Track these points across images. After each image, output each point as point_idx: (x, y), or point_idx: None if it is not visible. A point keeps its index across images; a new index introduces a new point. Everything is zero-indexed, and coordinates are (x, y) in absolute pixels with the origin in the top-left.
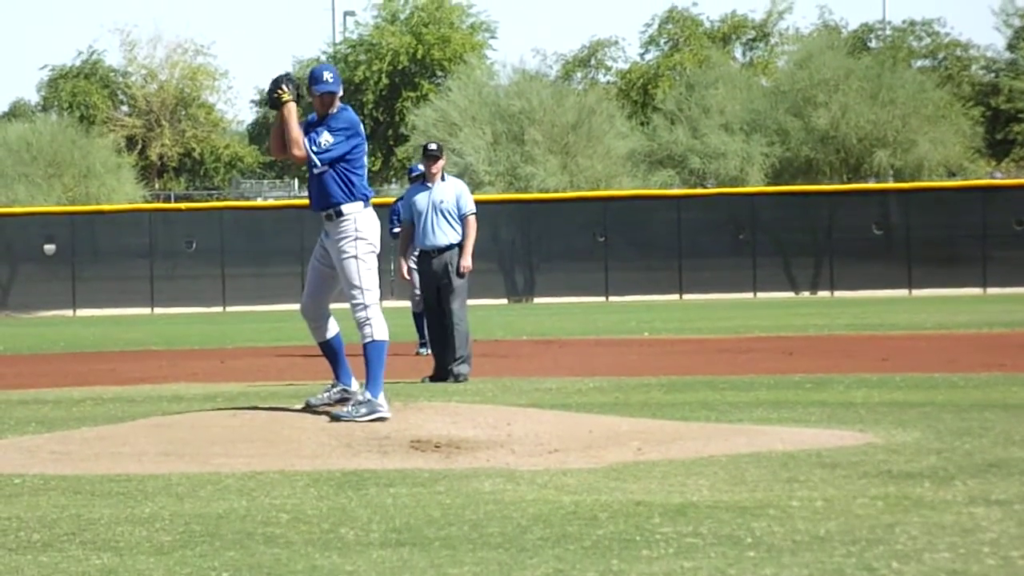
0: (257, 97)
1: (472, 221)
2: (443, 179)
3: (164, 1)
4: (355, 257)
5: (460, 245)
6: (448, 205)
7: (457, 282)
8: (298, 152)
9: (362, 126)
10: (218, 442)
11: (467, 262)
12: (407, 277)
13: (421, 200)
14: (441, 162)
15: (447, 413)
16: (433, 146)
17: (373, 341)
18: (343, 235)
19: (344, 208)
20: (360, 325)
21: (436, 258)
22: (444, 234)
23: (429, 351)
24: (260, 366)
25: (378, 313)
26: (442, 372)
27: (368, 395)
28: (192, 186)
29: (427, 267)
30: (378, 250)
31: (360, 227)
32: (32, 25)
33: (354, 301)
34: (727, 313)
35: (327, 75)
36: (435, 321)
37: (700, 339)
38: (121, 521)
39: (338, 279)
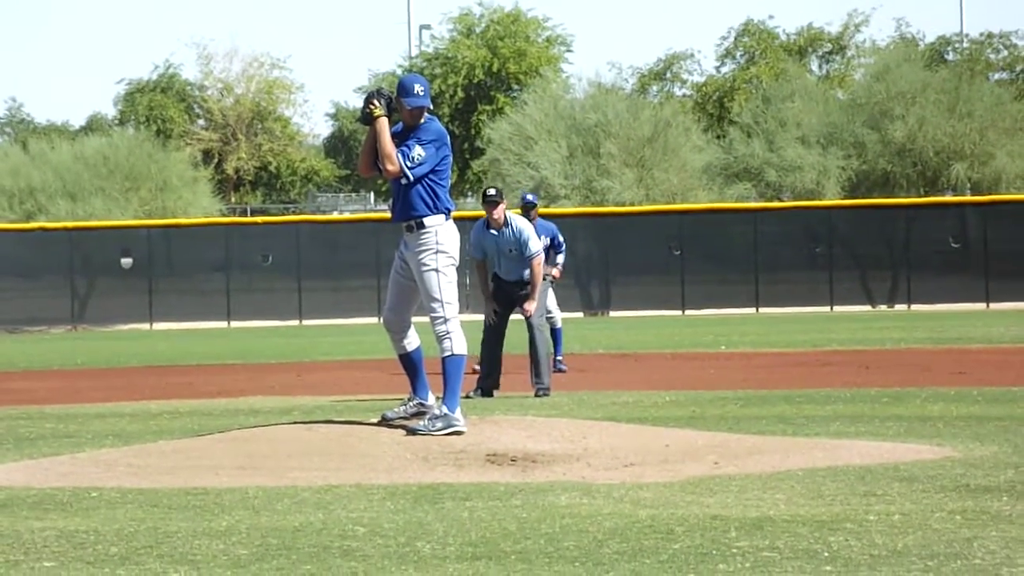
0: (333, 110)
1: (536, 264)
2: (507, 223)
3: (240, 15)
4: (435, 270)
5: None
6: (515, 252)
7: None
8: (392, 167)
9: (448, 137)
10: (294, 455)
11: (530, 307)
12: (496, 314)
13: (489, 247)
14: (502, 206)
15: (523, 427)
16: (492, 191)
17: (452, 355)
18: (423, 247)
19: (426, 220)
20: (439, 339)
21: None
22: (519, 272)
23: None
24: (336, 380)
25: (457, 327)
26: (489, 384)
27: (445, 409)
28: (268, 199)
29: (502, 285)
30: (457, 263)
31: (441, 240)
32: (109, 39)
33: (434, 315)
34: (804, 327)
35: (418, 88)
36: (492, 337)
37: (777, 353)
38: (198, 534)
39: (418, 291)
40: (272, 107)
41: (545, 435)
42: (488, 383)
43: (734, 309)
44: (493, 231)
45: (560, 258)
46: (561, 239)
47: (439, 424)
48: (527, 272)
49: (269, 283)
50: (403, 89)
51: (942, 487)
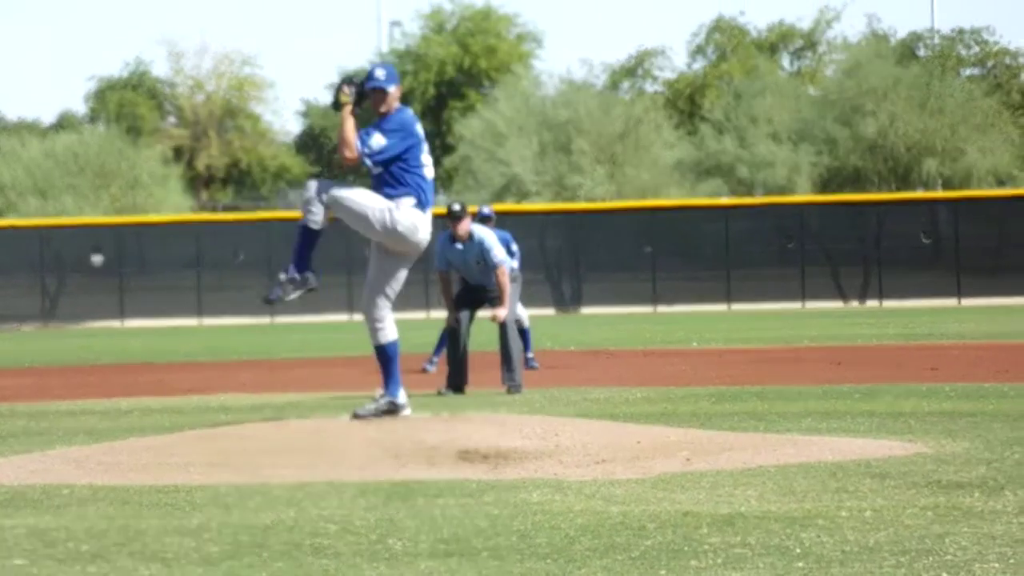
0: (303, 108)
1: (502, 273)
2: (471, 237)
3: (211, 12)
4: (384, 252)
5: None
6: (481, 263)
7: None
8: (349, 154)
9: (419, 125)
10: (266, 453)
11: (501, 314)
12: (458, 322)
13: (455, 260)
14: (466, 220)
15: (495, 424)
16: (456, 207)
17: (389, 343)
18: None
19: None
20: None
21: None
22: (487, 281)
23: (435, 368)
24: (307, 377)
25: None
26: (457, 382)
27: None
28: (239, 196)
29: (470, 287)
30: (412, 251)
31: (397, 217)
32: (80, 37)
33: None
34: (775, 323)
35: (379, 72)
36: (454, 339)
37: (748, 349)
38: (169, 532)
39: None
40: (243, 104)
41: (517, 432)
42: (455, 380)
43: (706, 305)
44: (458, 245)
45: (513, 262)
46: (515, 248)
47: (372, 408)
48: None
49: (240, 280)
50: (367, 74)
51: (914, 483)
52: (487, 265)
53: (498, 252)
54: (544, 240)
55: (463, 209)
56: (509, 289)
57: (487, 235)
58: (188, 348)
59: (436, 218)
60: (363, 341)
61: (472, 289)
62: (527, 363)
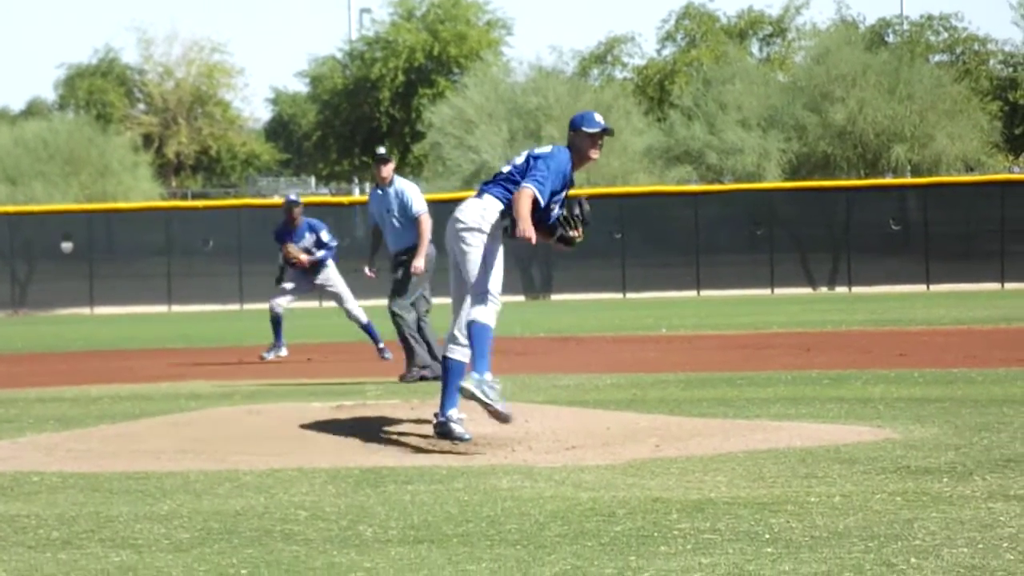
0: (273, 95)
1: (423, 221)
2: (391, 183)
3: None
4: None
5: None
6: (396, 211)
7: (399, 282)
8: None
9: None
10: (236, 439)
11: (418, 263)
12: (371, 275)
13: (376, 208)
14: (389, 166)
15: (465, 410)
16: (382, 150)
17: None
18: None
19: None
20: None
21: (399, 260)
22: (400, 238)
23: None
24: (277, 364)
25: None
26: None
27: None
28: (209, 184)
29: (394, 269)
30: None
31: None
32: (48, 23)
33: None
34: (744, 309)
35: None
36: (397, 322)
37: (717, 335)
38: (139, 518)
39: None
40: (212, 91)
41: (486, 418)
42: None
43: (675, 292)
44: (379, 190)
45: (321, 253)
46: (328, 239)
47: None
48: (411, 237)
49: (210, 267)
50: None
51: (883, 469)
52: (405, 217)
53: (418, 204)
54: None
55: (388, 153)
56: (426, 238)
57: (408, 187)
58: (158, 335)
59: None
60: (333, 329)
61: (396, 266)
62: (380, 355)
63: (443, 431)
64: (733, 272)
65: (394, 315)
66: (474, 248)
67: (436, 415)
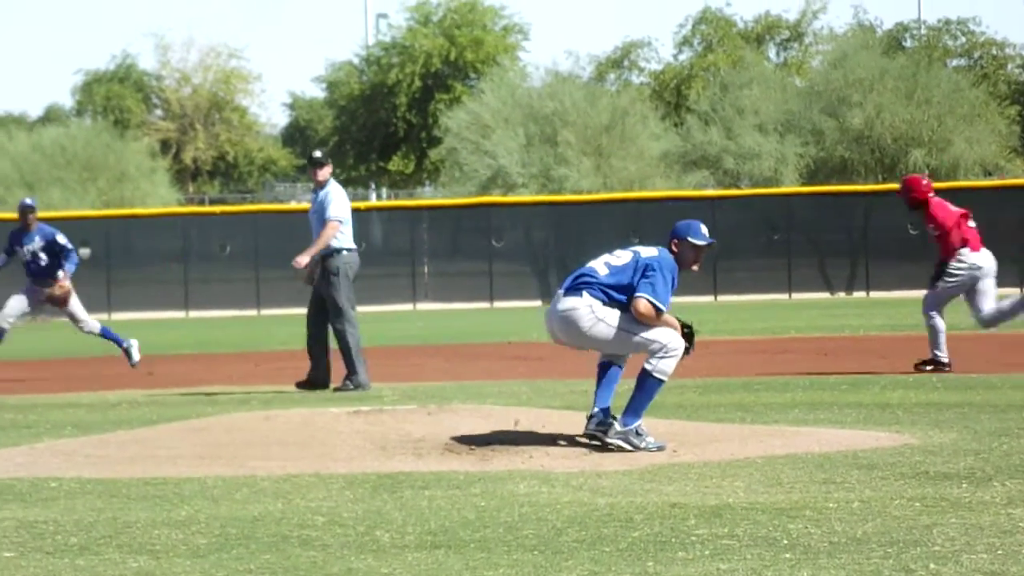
0: (290, 100)
1: (329, 225)
2: (324, 186)
3: (197, 5)
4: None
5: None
6: (319, 214)
7: (328, 291)
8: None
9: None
10: (253, 445)
11: (299, 258)
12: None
13: (311, 209)
14: (323, 169)
15: (481, 415)
16: (318, 153)
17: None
18: None
19: None
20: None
21: (320, 264)
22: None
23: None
24: (294, 369)
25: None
26: (312, 378)
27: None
28: (226, 189)
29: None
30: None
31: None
32: (66, 29)
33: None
34: (762, 314)
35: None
36: (310, 329)
37: (735, 340)
38: (157, 524)
39: None
40: (230, 97)
41: (504, 424)
42: (314, 376)
43: (692, 297)
44: (315, 192)
45: (68, 267)
46: (66, 244)
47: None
48: (332, 244)
49: (227, 273)
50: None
51: (901, 474)
52: (322, 219)
53: (334, 209)
54: (530, 232)
55: (323, 156)
56: (323, 240)
57: (335, 191)
58: (175, 341)
59: None
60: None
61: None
62: (127, 357)
63: (625, 440)
64: (750, 277)
65: (338, 331)
66: (611, 335)
67: (593, 415)
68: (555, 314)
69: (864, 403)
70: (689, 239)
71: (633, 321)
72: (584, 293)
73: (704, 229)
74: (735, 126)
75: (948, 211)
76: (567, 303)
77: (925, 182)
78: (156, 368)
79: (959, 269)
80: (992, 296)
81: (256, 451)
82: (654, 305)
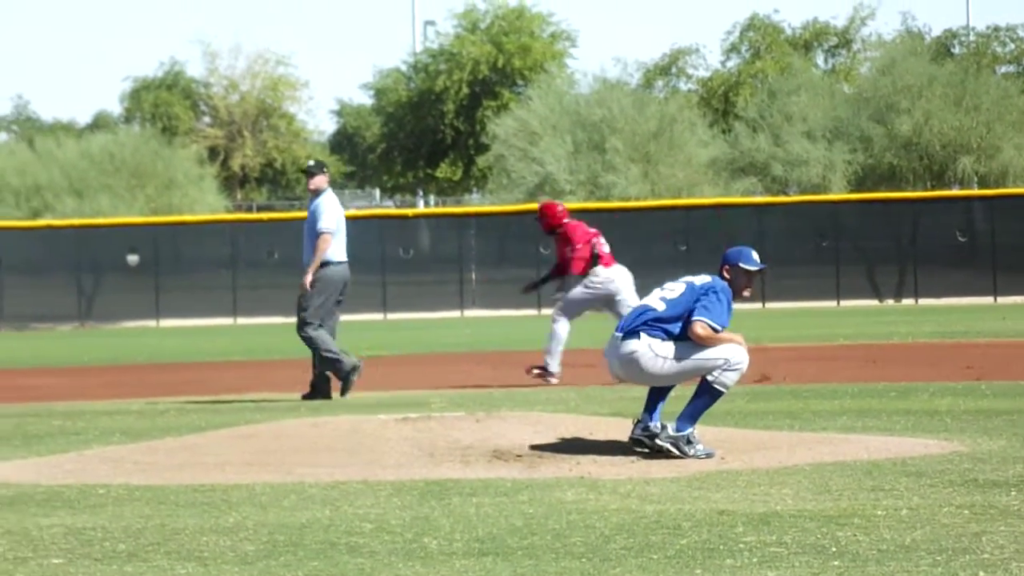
0: (338, 107)
1: (322, 239)
2: (317, 196)
3: (245, 12)
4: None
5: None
6: (310, 223)
7: (301, 299)
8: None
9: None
10: (301, 452)
11: (305, 279)
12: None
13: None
14: (315, 179)
15: (529, 423)
16: (311, 163)
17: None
18: None
19: None
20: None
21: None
22: (308, 251)
23: None
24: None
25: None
26: (314, 386)
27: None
28: (273, 196)
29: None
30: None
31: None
32: (114, 37)
33: None
34: (810, 321)
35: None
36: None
37: (783, 347)
38: (205, 531)
39: None
40: (277, 104)
41: (552, 431)
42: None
43: (740, 304)
44: (310, 201)
45: None
46: None
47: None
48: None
49: (275, 279)
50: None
51: (950, 482)
52: (314, 230)
53: (324, 221)
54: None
55: (316, 166)
56: (319, 255)
57: (327, 201)
58: (223, 347)
59: None
60: (395, 341)
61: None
62: None
63: (675, 445)
64: (799, 284)
65: (305, 339)
66: (676, 369)
67: (638, 420)
68: (615, 357)
69: (913, 410)
70: (741, 265)
71: (694, 346)
72: (642, 335)
73: (755, 255)
74: (783, 133)
75: (582, 232)
76: (628, 347)
77: (560, 208)
78: (205, 375)
79: (594, 283)
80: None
81: (304, 458)
82: (711, 327)
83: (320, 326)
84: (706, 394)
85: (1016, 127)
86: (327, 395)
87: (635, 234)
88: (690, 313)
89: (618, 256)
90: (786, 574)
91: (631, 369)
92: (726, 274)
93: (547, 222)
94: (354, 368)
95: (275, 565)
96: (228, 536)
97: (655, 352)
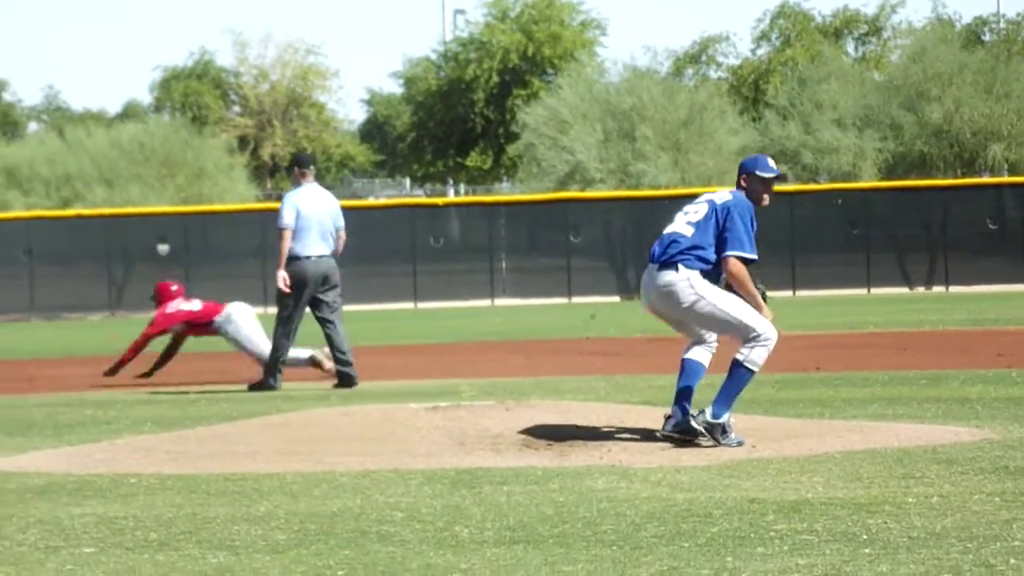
0: (368, 96)
1: (279, 235)
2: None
3: (275, 1)
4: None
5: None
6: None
7: (281, 299)
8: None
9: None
10: (332, 441)
11: (280, 284)
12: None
13: None
14: (298, 171)
15: (559, 411)
16: (298, 155)
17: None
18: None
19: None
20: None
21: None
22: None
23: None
24: (372, 365)
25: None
26: (340, 377)
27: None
28: None
29: None
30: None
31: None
32: (144, 26)
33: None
34: (841, 309)
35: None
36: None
37: (813, 335)
38: (237, 520)
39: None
40: (307, 93)
41: (581, 419)
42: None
43: (770, 292)
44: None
45: None
46: None
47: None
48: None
49: None
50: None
51: (981, 469)
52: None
53: (281, 215)
54: (609, 227)
55: (294, 158)
56: (280, 253)
57: (289, 195)
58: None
59: None
60: (426, 330)
61: None
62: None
63: (708, 429)
64: (829, 272)
65: (273, 337)
66: (710, 311)
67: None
68: (653, 288)
69: (943, 398)
70: (757, 173)
71: (731, 301)
72: (680, 267)
73: (771, 162)
74: (813, 121)
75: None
76: (665, 278)
77: (175, 287)
78: (234, 364)
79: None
80: None
81: (335, 447)
82: (743, 259)
83: (292, 331)
84: (737, 374)
85: None
86: (350, 383)
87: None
88: (720, 243)
89: (648, 244)
90: (817, 561)
91: (667, 303)
92: (743, 183)
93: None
94: (268, 389)
95: (306, 554)
96: (259, 525)
97: (693, 287)
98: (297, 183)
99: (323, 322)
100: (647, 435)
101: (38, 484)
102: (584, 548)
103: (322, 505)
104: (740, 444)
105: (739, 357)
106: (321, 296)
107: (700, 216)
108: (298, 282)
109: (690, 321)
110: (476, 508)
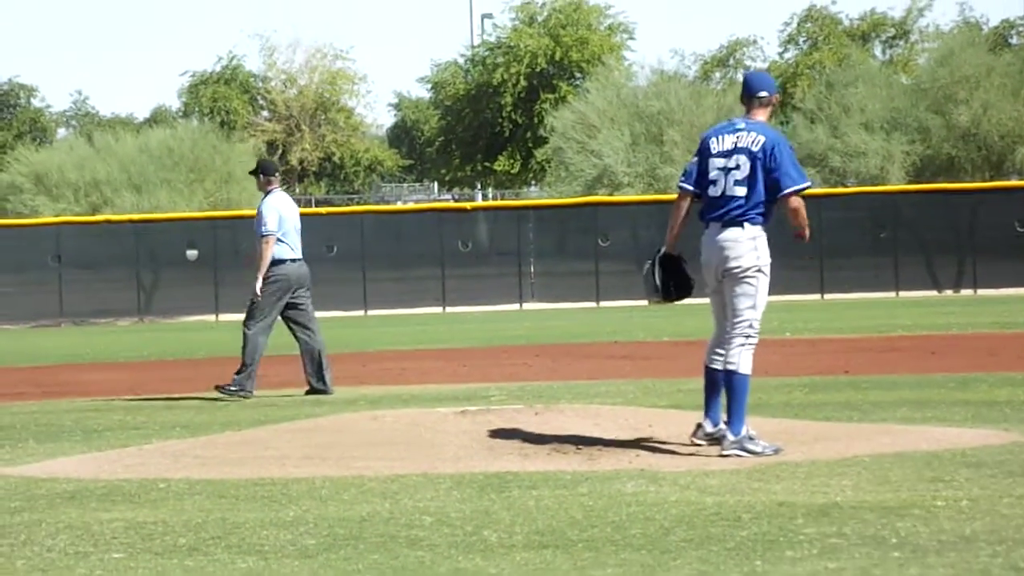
0: (396, 101)
1: (261, 242)
2: (264, 198)
3: (303, 6)
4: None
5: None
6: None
7: (250, 304)
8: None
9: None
10: (360, 445)
11: (256, 286)
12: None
13: None
14: (263, 179)
15: (588, 415)
16: (264, 162)
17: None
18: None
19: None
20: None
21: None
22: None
23: None
24: (401, 370)
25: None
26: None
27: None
28: (332, 190)
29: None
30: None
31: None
32: (173, 32)
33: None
34: (869, 312)
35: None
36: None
37: (842, 339)
38: (266, 524)
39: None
40: (335, 98)
41: (610, 423)
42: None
43: (799, 295)
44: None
45: None
46: None
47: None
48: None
49: (334, 273)
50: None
51: (1010, 472)
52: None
53: (264, 224)
54: (636, 231)
55: (262, 167)
56: (263, 260)
57: (267, 203)
58: (283, 342)
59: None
60: (454, 334)
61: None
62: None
63: (741, 449)
64: (857, 275)
65: (244, 335)
66: (757, 290)
67: (700, 425)
68: (715, 242)
69: (972, 401)
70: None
71: (765, 295)
72: (745, 224)
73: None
74: (841, 124)
75: None
76: (730, 233)
77: None
78: (265, 370)
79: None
80: None
81: (363, 451)
82: (800, 192)
83: (267, 328)
84: (734, 385)
85: None
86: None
87: (692, 226)
88: (772, 184)
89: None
90: (846, 565)
91: (727, 255)
92: (774, 101)
93: None
94: (242, 394)
95: (335, 559)
96: (288, 530)
97: (756, 250)
98: (265, 190)
99: (302, 328)
100: (676, 439)
101: (67, 489)
102: (613, 552)
103: (351, 510)
104: (777, 451)
105: (730, 367)
106: (294, 299)
107: (746, 172)
108: (283, 284)
109: (730, 284)
110: (505, 512)
